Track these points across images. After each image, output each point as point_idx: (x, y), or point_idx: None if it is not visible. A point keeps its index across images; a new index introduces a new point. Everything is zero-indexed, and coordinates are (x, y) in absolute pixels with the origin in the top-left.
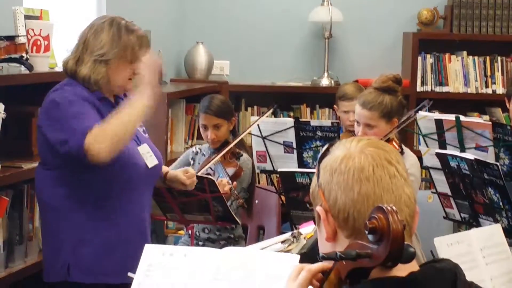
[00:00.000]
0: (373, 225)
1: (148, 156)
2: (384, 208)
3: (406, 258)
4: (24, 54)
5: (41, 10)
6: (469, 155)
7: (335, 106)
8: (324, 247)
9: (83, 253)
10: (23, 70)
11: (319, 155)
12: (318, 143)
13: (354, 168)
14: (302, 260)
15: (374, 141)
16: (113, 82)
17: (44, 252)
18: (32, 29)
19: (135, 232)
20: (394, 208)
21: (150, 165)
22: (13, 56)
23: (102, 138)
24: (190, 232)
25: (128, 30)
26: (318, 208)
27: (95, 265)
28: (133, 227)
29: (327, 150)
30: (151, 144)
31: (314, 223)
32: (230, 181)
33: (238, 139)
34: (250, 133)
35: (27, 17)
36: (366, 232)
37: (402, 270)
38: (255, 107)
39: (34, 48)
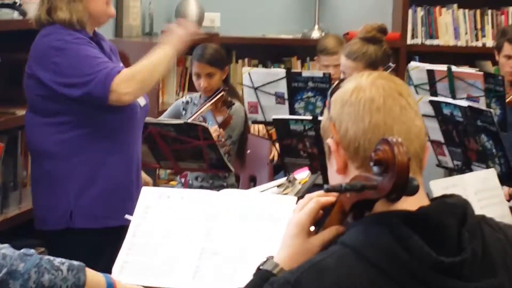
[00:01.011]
0: (378, 156)
1: None
2: (389, 140)
3: (410, 190)
4: (17, 0)
5: None
6: (463, 101)
7: (316, 58)
8: (335, 180)
9: (85, 199)
10: (16, 16)
11: (330, 90)
12: (309, 94)
13: (365, 98)
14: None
15: (385, 74)
16: (94, 12)
17: (40, 200)
18: None
19: (132, 175)
20: (400, 139)
21: (142, 104)
22: (6, 1)
23: (131, 82)
24: (183, 180)
25: None
26: (329, 140)
27: (96, 210)
28: (130, 170)
29: (338, 84)
30: None
31: (309, 169)
32: (218, 128)
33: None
34: (241, 84)
35: None
36: (372, 164)
37: (411, 204)
38: (246, 59)
39: None
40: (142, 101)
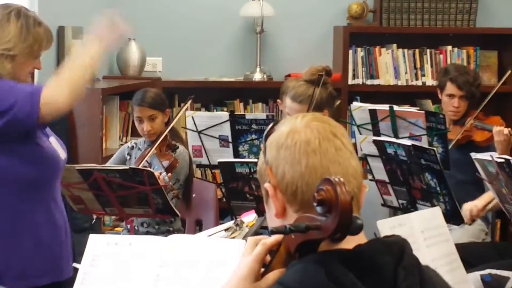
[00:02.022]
0: (321, 196)
1: (59, 147)
2: (331, 179)
3: (354, 229)
4: None
5: None
6: (406, 141)
7: (278, 100)
8: (274, 224)
9: (15, 256)
10: None
11: (265, 133)
12: (253, 136)
13: (300, 141)
14: None
15: (318, 116)
16: (17, 77)
17: None
18: None
19: (62, 226)
20: (341, 179)
21: (63, 157)
22: None
23: (60, 88)
24: (129, 226)
25: (36, 22)
26: (266, 185)
27: (28, 266)
28: (60, 221)
29: (272, 128)
30: (56, 135)
31: (255, 212)
32: (165, 173)
33: (167, 130)
34: (185, 128)
35: None
36: (315, 204)
37: (350, 243)
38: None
39: None
40: (63, 154)
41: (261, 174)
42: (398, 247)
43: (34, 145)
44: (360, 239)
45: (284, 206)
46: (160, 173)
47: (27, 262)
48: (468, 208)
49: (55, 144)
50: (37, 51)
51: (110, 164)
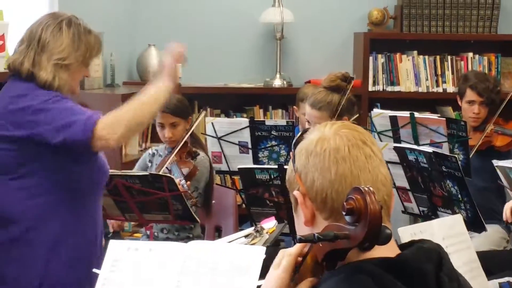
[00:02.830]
0: (351, 206)
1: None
2: (361, 188)
3: (382, 239)
4: None
5: None
6: (427, 147)
7: (295, 107)
8: (302, 231)
9: (55, 265)
10: None
11: (294, 141)
12: (273, 142)
13: (330, 149)
14: (267, 253)
15: (347, 124)
16: (71, 86)
17: (3, 269)
18: None
19: (99, 235)
20: (371, 188)
21: (108, 167)
22: None
23: (116, 125)
24: (148, 232)
25: (86, 30)
26: (295, 193)
27: (66, 276)
28: (99, 230)
29: (301, 136)
30: None
31: (275, 219)
32: (184, 180)
33: (184, 138)
34: (204, 134)
35: None
36: (344, 213)
37: (384, 252)
38: (208, 109)
39: None
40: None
41: (290, 182)
42: (436, 254)
43: (91, 155)
44: (393, 247)
45: (313, 214)
46: (180, 181)
47: (65, 271)
48: (509, 206)
49: (102, 154)
50: (88, 59)
51: (132, 170)
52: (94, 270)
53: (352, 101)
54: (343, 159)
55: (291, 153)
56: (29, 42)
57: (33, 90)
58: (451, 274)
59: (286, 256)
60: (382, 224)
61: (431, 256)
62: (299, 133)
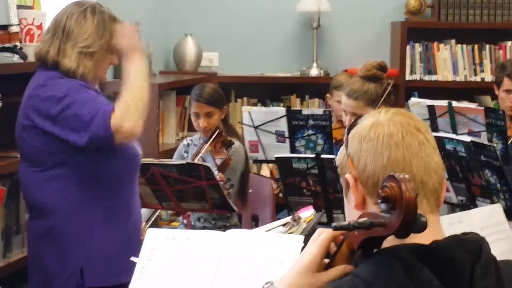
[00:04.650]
0: (386, 193)
1: (136, 142)
2: (396, 176)
3: (418, 227)
4: (17, 43)
5: None
6: (466, 137)
7: (328, 95)
8: (352, 215)
9: (96, 255)
10: (16, 59)
11: (347, 127)
12: (310, 131)
13: (384, 134)
14: (306, 242)
15: (402, 111)
16: (97, 74)
17: (44, 259)
18: (25, 18)
19: (138, 223)
20: (406, 176)
21: (140, 152)
22: (6, 45)
23: (126, 115)
24: (185, 221)
25: (111, 17)
26: (347, 176)
27: (109, 265)
28: (137, 218)
29: (355, 121)
30: None
31: (313, 207)
32: (216, 171)
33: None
34: (241, 123)
35: (19, 6)
36: (379, 201)
37: (425, 238)
38: (245, 98)
39: (28, 37)
40: (140, 149)
41: (342, 166)
42: (476, 245)
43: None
44: (437, 235)
45: (364, 198)
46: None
47: (105, 260)
48: None
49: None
50: (114, 46)
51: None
52: (132, 258)
53: (389, 91)
54: (396, 145)
55: (344, 137)
56: (54, 31)
57: (56, 78)
58: (488, 268)
59: (324, 233)
60: (422, 212)
61: (468, 246)
62: (354, 119)
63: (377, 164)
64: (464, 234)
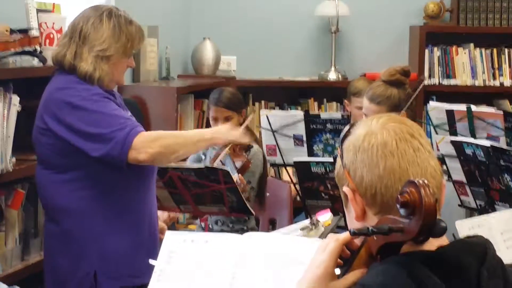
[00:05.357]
0: (405, 199)
1: None
2: (416, 181)
3: (437, 232)
4: (37, 47)
5: (53, 3)
6: (485, 141)
7: (346, 101)
8: (354, 227)
9: (110, 257)
10: (36, 63)
11: (341, 137)
12: (328, 135)
13: (377, 144)
14: None
15: (394, 117)
16: (114, 77)
17: (54, 261)
18: (45, 23)
19: (154, 226)
20: (426, 181)
21: None
22: (26, 49)
23: (152, 143)
24: (203, 224)
25: (127, 21)
26: (345, 189)
27: (122, 267)
28: (153, 221)
29: (348, 131)
30: None
31: (330, 211)
32: (236, 174)
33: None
34: (259, 127)
35: (39, 10)
36: (398, 206)
37: (432, 245)
38: (263, 102)
39: (47, 41)
40: None
41: (339, 178)
42: (481, 248)
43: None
44: (441, 240)
45: (363, 209)
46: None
47: (120, 262)
48: None
49: None
50: (130, 49)
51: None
52: (150, 261)
53: (410, 96)
54: (391, 153)
55: (338, 148)
56: (71, 35)
57: (74, 83)
58: (494, 270)
59: (333, 241)
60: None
61: (473, 250)
62: (346, 128)
63: (374, 174)
64: (469, 237)
